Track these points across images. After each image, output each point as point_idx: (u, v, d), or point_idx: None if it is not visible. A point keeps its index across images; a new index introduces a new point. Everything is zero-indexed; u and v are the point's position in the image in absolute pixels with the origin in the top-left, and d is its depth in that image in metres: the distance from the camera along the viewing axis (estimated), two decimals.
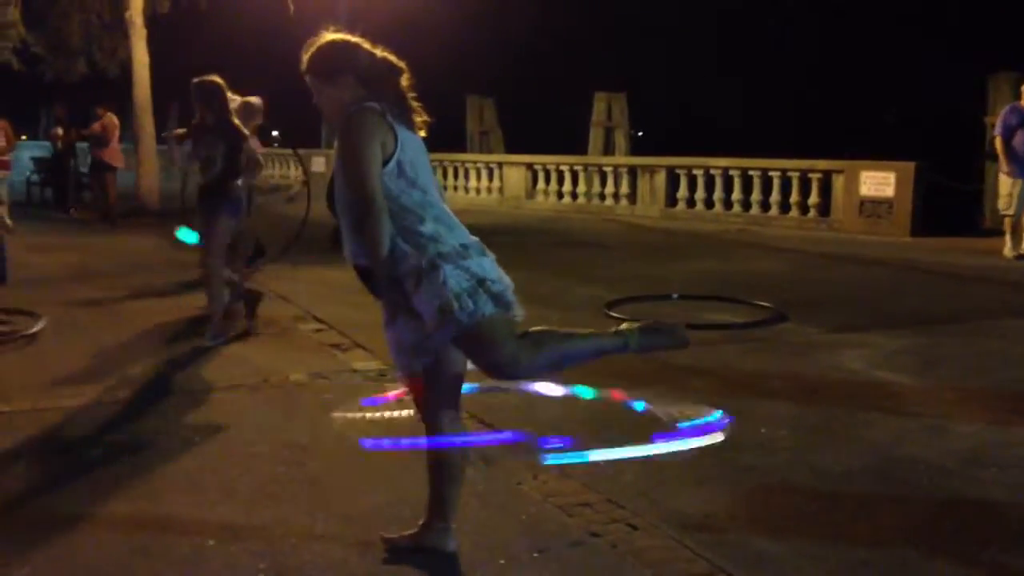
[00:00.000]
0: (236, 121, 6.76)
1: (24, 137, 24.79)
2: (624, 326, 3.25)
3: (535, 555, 3.35)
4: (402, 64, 3.24)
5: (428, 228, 3.04)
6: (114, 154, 16.32)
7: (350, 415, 3.95)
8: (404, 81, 3.22)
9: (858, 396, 5.44)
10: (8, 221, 7.33)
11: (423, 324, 3.03)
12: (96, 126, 16.36)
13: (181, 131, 7.06)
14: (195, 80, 6.79)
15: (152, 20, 19.08)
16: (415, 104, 3.25)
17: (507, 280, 3.16)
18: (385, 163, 3.04)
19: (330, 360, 6.24)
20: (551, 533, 3.53)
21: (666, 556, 3.36)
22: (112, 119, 16.27)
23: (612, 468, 4.18)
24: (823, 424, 4.92)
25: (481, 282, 3.03)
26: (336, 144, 3.20)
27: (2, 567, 3.24)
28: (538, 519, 3.66)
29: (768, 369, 6.05)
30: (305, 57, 3.23)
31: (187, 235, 6.86)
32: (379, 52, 3.24)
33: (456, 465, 3.33)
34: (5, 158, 11.72)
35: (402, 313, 3.10)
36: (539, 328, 3.18)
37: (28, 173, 19.68)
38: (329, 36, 3.24)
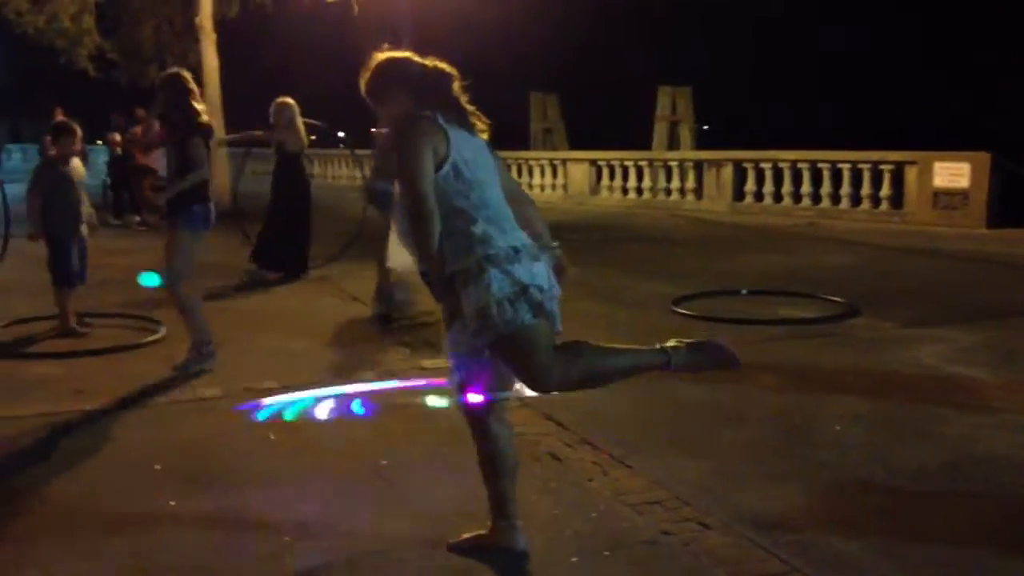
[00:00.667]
0: (202, 119, 6.16)
1: (100, 142, 25.43)
2: (671, 343, 3.18)
3: (606, 553, 3.35)
4: (453, 70, 3.28)
5: (479, 229, 3.05)
6: (156, 158, 16.19)
7: None
8: (457, 86, 3.26)
9: (934, 392, 5.33)
10: (94, 220, 7.50)
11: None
12: (138, 129, 16.16)
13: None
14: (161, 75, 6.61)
15: (221, 24, 19.46)
16: (472, 108, 3.27)
17: (556, 289, 3.14)
18: (440, 167, 3.07)
19: (399, 359, 6.30)
20: (622, 531, 3.53)
21: (739, 555, 3.33)
22: (152, 123, 16.03)
23: (682, 466, 4.17)
24: (898, 421, 4.83)
25: (524, 289, 3.01)
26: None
27: (89, 563, 3.34)
28: (609, 517, 3.65)
29: (841, 365, 5.95)
30: (362, 83, 3.32)
31: (149, 279, 6.37)
32: (429, 62, 3.29)
33: (508, 459, 3.30)
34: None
35: (458, 319, 3.12)
36: (578, 341, 3.13)
37: (103, 177, 20.16)
38: (379, 57, 3.31)
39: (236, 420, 5.02)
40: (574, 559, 3.30)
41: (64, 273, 7.03)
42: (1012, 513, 3.70)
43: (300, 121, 10.03)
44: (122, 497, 3.96)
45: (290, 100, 10.01)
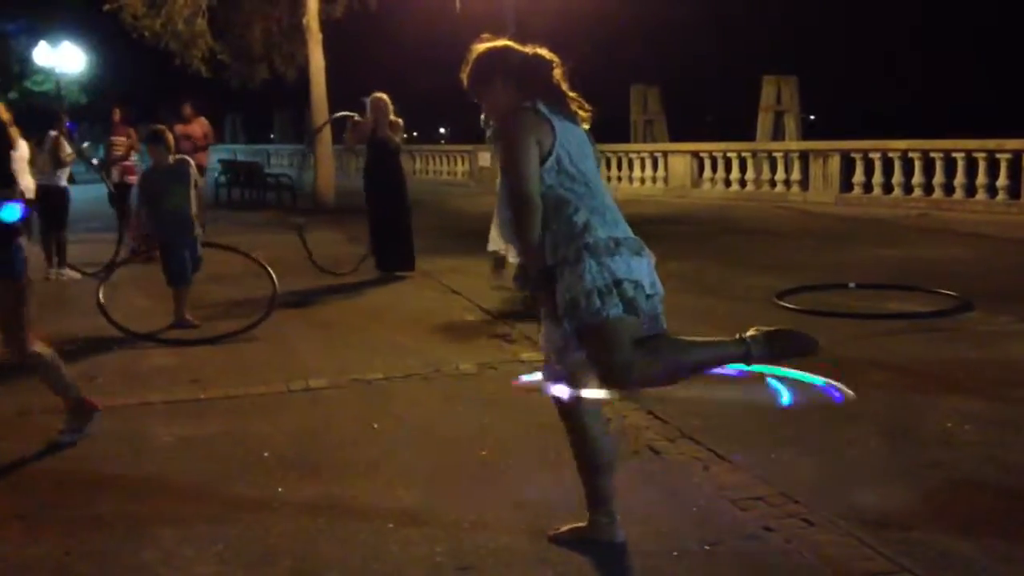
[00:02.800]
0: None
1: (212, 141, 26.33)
2: (749, 333, 3.12)
3: (706, 548, 3.32)
4: (553, 57, 3.26)
5: (580, 218, 3.05)
6: (204, 157, 14.50)
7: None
8: (559, 73, 3.25)
9: None
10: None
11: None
12: (194, 128, 14.28)
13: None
14: None
15: (326, 25, 19.88)
16: (574, 94, 3.27)
17: (658, 287, 3.13)
18: (545, 159, 3.08)
19: (498, 351, 6.36)
20: (723, 526, 3.49)
21: (844, 553, 3.26)
22: (205, 122, 14.63)
23: (787, 462, 4.10)
24: (1013, 419, 4.65)
25: (618, 283, 3.00)
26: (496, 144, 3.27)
27: (203, 547, 3.47)
28: (710, 511, 3.62)
29: (953, 361, 5.76)
30: (463, 75, 3.31)
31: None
32: (529, 49, 3.28)
33: (601, 454, 3.30)
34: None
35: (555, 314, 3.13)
36: (657, 336, 3.11)
37: (216, 175, 20.83)
38: (478, 48, 3.31)
39: (339, 409, 5.14)
40: (673, 553, 3.29)
41: (176, 273, 7.30)
42: None
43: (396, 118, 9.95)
44: (233, 483, 4.09)
45: (385, 96, 9.96)
